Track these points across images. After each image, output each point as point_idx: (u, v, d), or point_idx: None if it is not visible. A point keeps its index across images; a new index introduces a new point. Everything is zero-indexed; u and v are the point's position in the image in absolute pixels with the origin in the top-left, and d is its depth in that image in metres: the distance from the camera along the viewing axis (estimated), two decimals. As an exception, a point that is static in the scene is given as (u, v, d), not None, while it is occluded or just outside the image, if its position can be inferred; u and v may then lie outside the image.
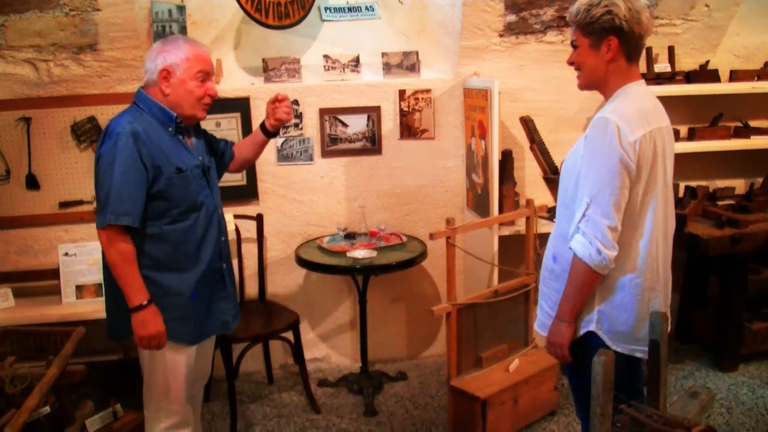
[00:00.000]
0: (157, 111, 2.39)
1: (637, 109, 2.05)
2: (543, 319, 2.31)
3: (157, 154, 2.32)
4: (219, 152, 2.74)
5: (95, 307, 3.37)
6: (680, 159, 3.72)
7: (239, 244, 3.84)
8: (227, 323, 2.61)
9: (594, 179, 2.01)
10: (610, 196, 1.99)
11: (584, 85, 2.19)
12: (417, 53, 3.97)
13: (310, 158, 3.94)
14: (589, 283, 2.07)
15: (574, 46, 2.15)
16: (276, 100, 2.71)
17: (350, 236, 3.80)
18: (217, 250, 2.50)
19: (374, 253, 3.53)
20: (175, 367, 2.45)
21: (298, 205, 3.98)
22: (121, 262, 2.28)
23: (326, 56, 3.90)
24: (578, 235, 2.04)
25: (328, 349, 4.19)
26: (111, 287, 2.40)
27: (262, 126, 2.76)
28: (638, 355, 2.14)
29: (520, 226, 3.67)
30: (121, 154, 2.25)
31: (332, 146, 3.94)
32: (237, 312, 2.67)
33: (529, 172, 4.08)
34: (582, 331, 2.15)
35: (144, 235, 2.34)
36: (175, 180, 2.35)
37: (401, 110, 3.95)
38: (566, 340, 2.15)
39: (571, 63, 2.18)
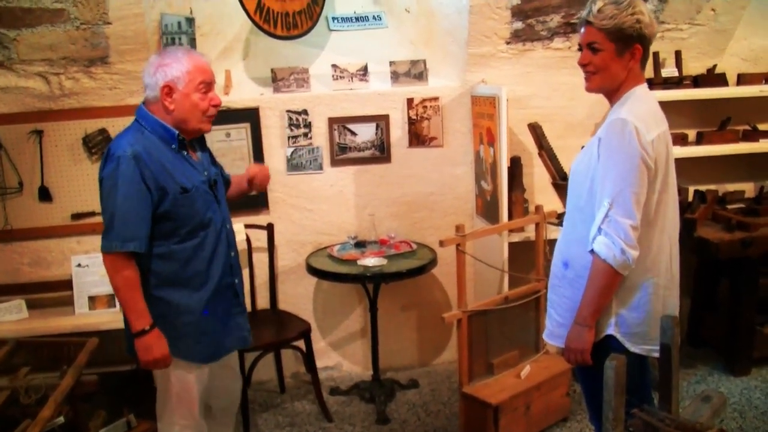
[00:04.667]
0: (159, 129, 2.33)
1: (648, 110, 2.08)
2: (552, 328, 2.30)
3: (161, 174, 2.28)
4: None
5: (108, 318, 3.39)
6: (689, 163, 3.76)
7: (250, 253, 3.85)
8: (245, 339, 2.60)
9: (614, 180, 2.01)
10: (632, 195, 2.00)
11: (598, 89, 2.16)
12: (424, 61, 3.98)
13: (320, 167, 3.95)
14: (611, 285, 2.07)
15: (592, 48, 2.09)
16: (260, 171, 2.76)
17: (360, 244, 3.81)
18: (227, 265, 2.48)
19: (384, 261, 3.54)
20: (187, 386, 2.44)
21: (308, 214, 3.99)
22: (125, 288, 2.27)
23: (334, 66, 3.92)
24: (600, 236, 2.03)
25: (339, 358, 4.20)
26: None
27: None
28: (655, 354, 2.11)
29: (530, 233, 3.67)
30: (123, 177, 2.22)
31: (341, 155, 3.95)
32: (249, 327, 2.65)
33: (537, 178, 4.08)
34: (601, 335, 2.14)
35: (152, 254, 2.32)
36: (180, 200, 2.31)
37: (409, 118, 3.97)
38: (588, 345, 2.13)
39: (585, 64, 2.12)
